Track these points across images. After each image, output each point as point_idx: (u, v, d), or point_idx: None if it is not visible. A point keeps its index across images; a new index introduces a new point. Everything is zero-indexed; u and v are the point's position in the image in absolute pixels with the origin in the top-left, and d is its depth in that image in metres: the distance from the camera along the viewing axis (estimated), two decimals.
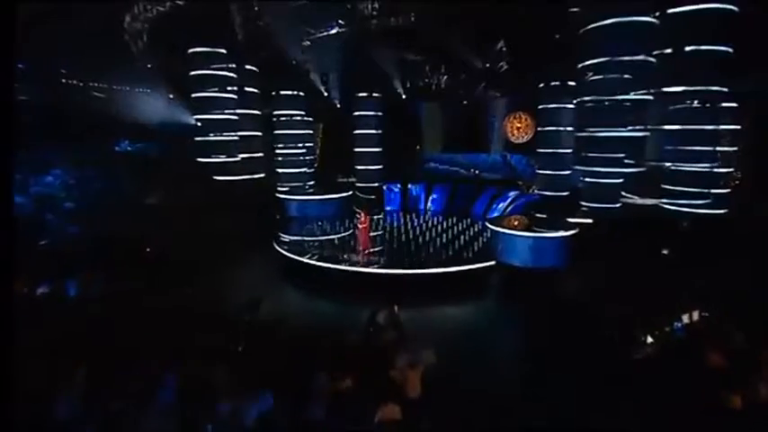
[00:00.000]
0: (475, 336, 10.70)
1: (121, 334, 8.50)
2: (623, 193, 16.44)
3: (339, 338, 9.42)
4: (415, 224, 19.97)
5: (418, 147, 30.53)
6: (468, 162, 28.64)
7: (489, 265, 14.34)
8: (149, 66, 17.02)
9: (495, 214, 20.20)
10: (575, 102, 14.73)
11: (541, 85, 20.52)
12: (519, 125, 27.76)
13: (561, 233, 13.80)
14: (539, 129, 21.44)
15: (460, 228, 19.65)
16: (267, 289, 13.55)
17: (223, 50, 17.85)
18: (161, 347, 7.91)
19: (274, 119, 24.16)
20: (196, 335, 9.27)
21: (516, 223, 15.12)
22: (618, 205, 18.98)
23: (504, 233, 14.00)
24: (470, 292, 13.85)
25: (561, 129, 20.67)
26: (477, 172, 28.28)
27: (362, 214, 16.12)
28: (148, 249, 13.56)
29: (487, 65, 17.00)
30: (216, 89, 18.31)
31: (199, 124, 18.70)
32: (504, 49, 15.58)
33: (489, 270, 14.30)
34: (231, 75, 18.78)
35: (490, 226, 14.63)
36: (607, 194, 18.84)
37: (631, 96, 12.76)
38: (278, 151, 24.36)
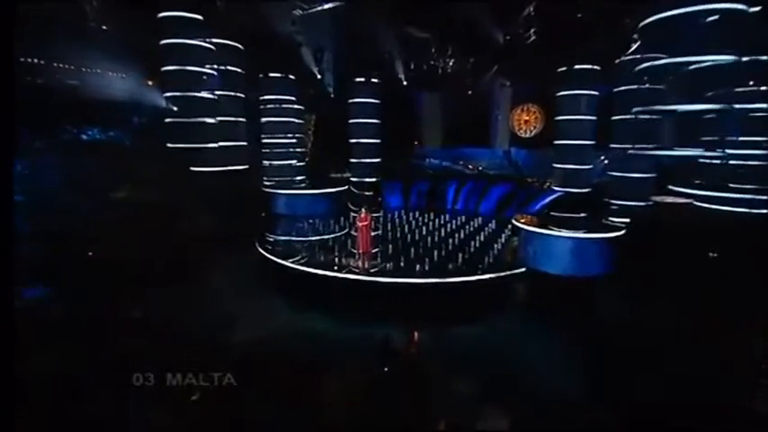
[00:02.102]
0: (513, 373, 7.77)
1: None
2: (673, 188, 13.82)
3: (342, 382, 6.51)
4: (421, 223, 17.04)
5: (417, 143, 27.79)
6: (469, 157, 25.94)
7: (518, 272, 11.51)
8: (105, 27, 13.78)
9: (512, 212, 17.35)
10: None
11: (563, 68, 17.88)
12: (527, 118, 25.10)
13: (608, 234, 11.00)
14: (557, 118, 18.74)
15: (473, 227, 16.80)
16: (243, 304, 10.51)
17: (199, 17, 14.79)
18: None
19: (262, 105, 21.14)
20: (132, 371, 6.30)
21: (523, 221, 12.26)
22: (650, 204, 16.58)
23: (537, 234, 11.14)
24: (497, 306, 10.98)
25: (584, 118, 18.06)
26: (480, 168, 25.59)
27: (363, 211, 13.14)
28: (91, 253, 10.34)
29: (508, 37, 14.19)
30: (192, 64, 15.21)
31: (172, 106, 15.60)
32: (533, 13, 12.75)
33: (518, 279, 11.47)
34: (209, 47, 15.71)
35: (519, 225, 11.79)
36: (640, 190, 16.31)
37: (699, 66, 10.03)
38: (265, 141, 21.32)
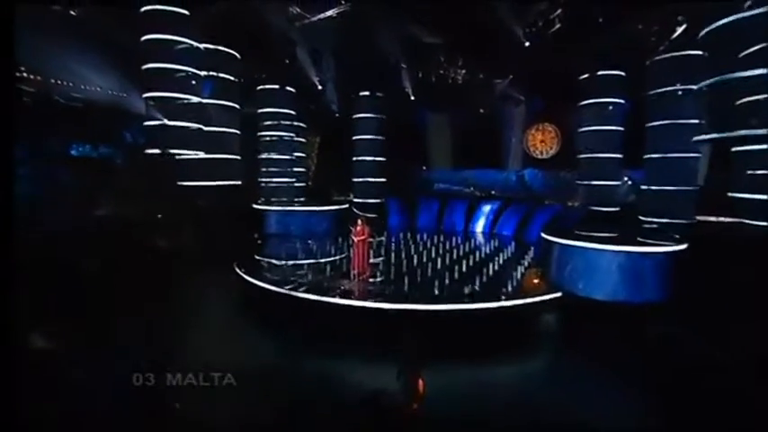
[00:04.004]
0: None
1: None
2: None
3: None
4: (430, 246, 14.61)
5: (424, 167, 25.74)
6: (479, 180, 23.74)
7: (553, 297, 8.93)
8: (72, 12, 12.18)
9: (533, 233, 14.94)
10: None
11: (585, 75, 15.95)
12: (542, 138, 23.08)
13: (670, 248, 8.48)
14: (580, 130, 16.60)
15: (490, 249, 14.35)
16: (215, 336, 8.10)
17: (185, 12, 13.22)
18: None
19: (261, 122, 19.41)
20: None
21: (555, 235, 9.84)
22: (693, 222, 14.14)
23: (577, 247, 8.67)
24: (527, 342, 8.35)
25: (611, 128, 15.87)
26: (492, 192, 23.33)
27: (359, 223, 10.80)
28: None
29: (528, 30, 12.28)
30: (177, 63, 13.50)
31: (153, 110, 13.78)
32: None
33: (553, 306, 8.89)
34: (199, 47, 14.07)
35: (554, 240, 9.35)
36: (682, 205, 13.91)
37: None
38: (262, 158, 19.42)
